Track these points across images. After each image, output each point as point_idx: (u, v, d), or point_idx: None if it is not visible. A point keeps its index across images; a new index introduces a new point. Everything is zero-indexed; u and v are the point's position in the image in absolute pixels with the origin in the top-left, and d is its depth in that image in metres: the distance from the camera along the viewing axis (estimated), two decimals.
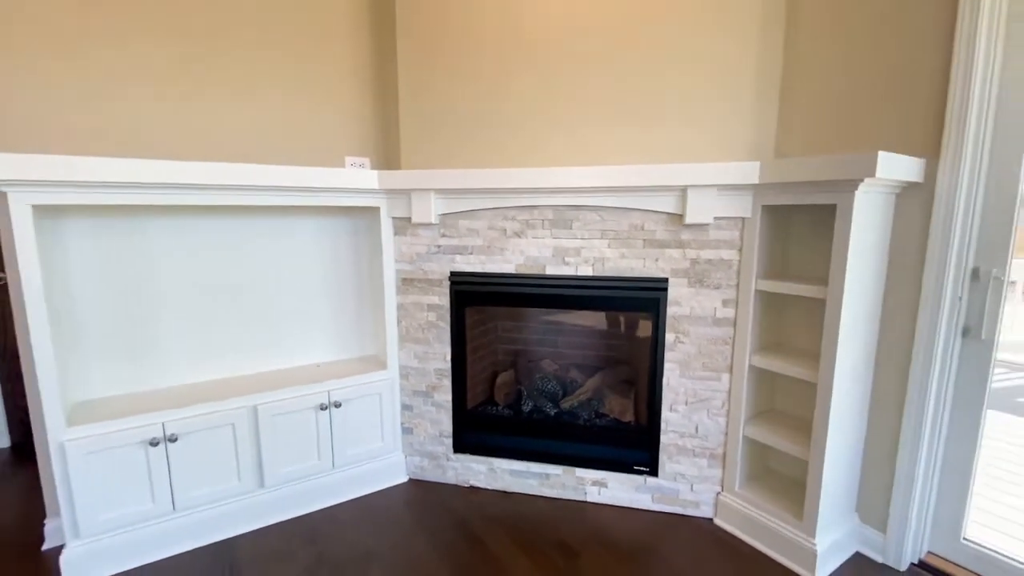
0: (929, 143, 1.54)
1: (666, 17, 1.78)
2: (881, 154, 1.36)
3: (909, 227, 1.61)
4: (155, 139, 1.86)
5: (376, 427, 2.20)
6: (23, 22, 1.63)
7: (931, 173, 1.54)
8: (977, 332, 1.57)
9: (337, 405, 2.07)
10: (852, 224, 1.48)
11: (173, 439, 1.74)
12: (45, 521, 1.84)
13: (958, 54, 1.45)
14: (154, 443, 1.71)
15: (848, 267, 1.51)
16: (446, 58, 2.03)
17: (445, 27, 2.01)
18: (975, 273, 1.55)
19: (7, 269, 1.69)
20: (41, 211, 1.63)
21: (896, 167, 1.43)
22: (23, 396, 2.62)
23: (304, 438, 2.01)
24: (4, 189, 1.45)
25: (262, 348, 2.13)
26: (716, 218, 1.79)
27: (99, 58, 1.74)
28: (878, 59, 1.61)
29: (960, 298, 1.55)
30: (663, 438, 2.00)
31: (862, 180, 1.42)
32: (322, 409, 2.03)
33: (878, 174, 1.37)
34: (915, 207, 1.59)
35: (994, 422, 2.99)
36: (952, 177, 1.50)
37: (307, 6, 2.09)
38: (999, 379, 3.80)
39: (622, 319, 2.32)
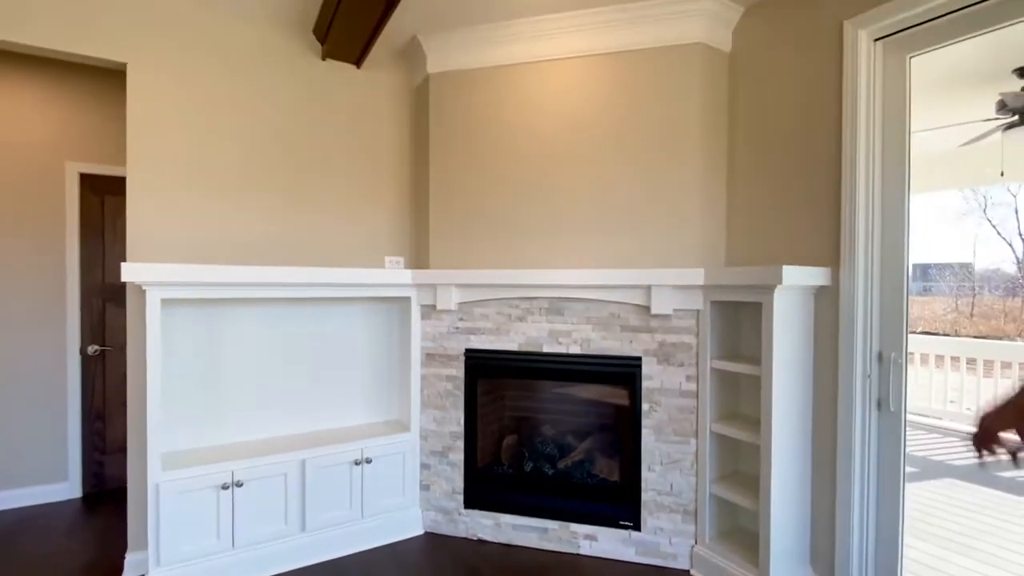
0: (833, 256, 2.01)
1: (643, 159, 2.36)
2: (784, 267, 1.83)
3: (825, 320, 2.04)
4: (251, 246, 2.44)
5: (399, 483, 2.57)
6: (161, 169, 2.27)
7: (836, 279, 2.00)
8: (888, 405, 1.94)
9: (368, 461, 2.46)
10: (773, 318, 1.92)
11: (239, 484, 2.15)
12: (126, 555, 2.22)
13: (846, 195, 1.96)
14: (225, 487, 2.13)
15: (774, 352, 1.94)
16: (466, 181, 2.62)
17: (466, 159, 2.62)
18: (880, 356, 1.96)
19: (129, 345, 2.22)
20: (164, 303, 2.18)
21: (800, 276, 1.90)
22: (101, 451, 3.07)
23: (340, 489, 2.40)
24: (144, 288, 2.00)
25: (310, 411, 2.58)
26: (675, 309, 2.25)
27: (210, 186, 2.37)
28: (795, 195, 2.13)
29: (869, 376, 1.95)
30: (644, 496, 2.33)
31: (775, 286, 1.88)
32: (356, 464, 2.43)
33: (784, 282, 1.84)
34: (828, 304, 2.03)
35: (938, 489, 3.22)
36: (850, 282, 1.95)
37: (363, 148, 2.74)
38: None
39: (607, 390, 2.71)
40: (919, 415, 4.93)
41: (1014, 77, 2.98)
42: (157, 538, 2.01)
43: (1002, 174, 3.39)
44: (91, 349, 3.07)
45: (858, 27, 1.93)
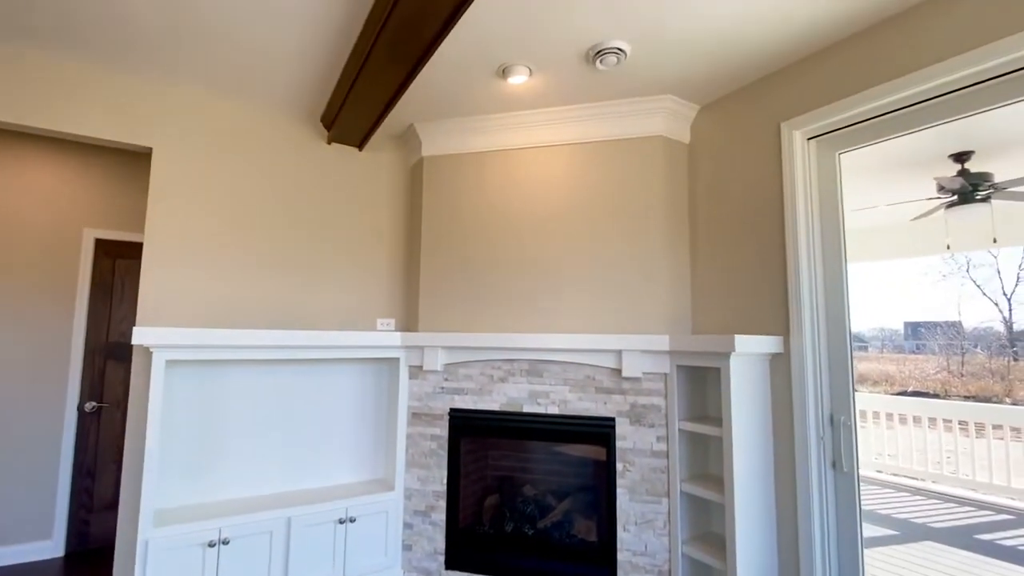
0: (784, 326, 2.21)
1: (614, 235, 2.61)
2: (736, 336, 2.02)
3: (780, 384, 2.22)
4: (254, 309, 2.63)
5: (381, 542, 2.62)
6: (176, 239, 2.49)
7: (788, 346, 2.19)
8: (842, 465, 2.08)
9: (352, 520, 2.53)
10: (731, 382, 2.10)
11: (226, 542, 2.22)
12: None
13: (791, 271, 2.19)
14: (211, 544, 2.19)
15: (733, 414, 2.09)
16: (455, 252, 2.85)
17: (455, 231, 2.86)
18: (831, 419, 2.11)
19: (131, 403, 2.35)
20: (167, 363, 2.33)
21: (753, 344, 2.09)
22: (88, 509, 3.10)
23: (324, 548, 2.45)
24: (152, 350, 2.17)
25: (298, 469, 2.66)
26: (645, 373, 2.42)
27: (219, 255, 2.58)
28: (749, 270, 2.37)
29: (822, 438, 2.10)
30: (619, 556, 2.40)
31: (729, 353, 2.07)
32: (340, 523, 2.50)
33: (737, 350, 2.03)
34: (782, 370, 2.21)
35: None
36: (799, 350, 2.14)
37: (362, 220, 3.00)
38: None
39: (584, 450, 2.82)
40: (905, 477, 4.98)
41: (951, 160, 3.33)
42: None
43: (948, 247, 3.68)
44: (88, 406, 3.17)
45: (793, 128, 2.23)
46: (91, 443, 3.17)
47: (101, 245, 3.31)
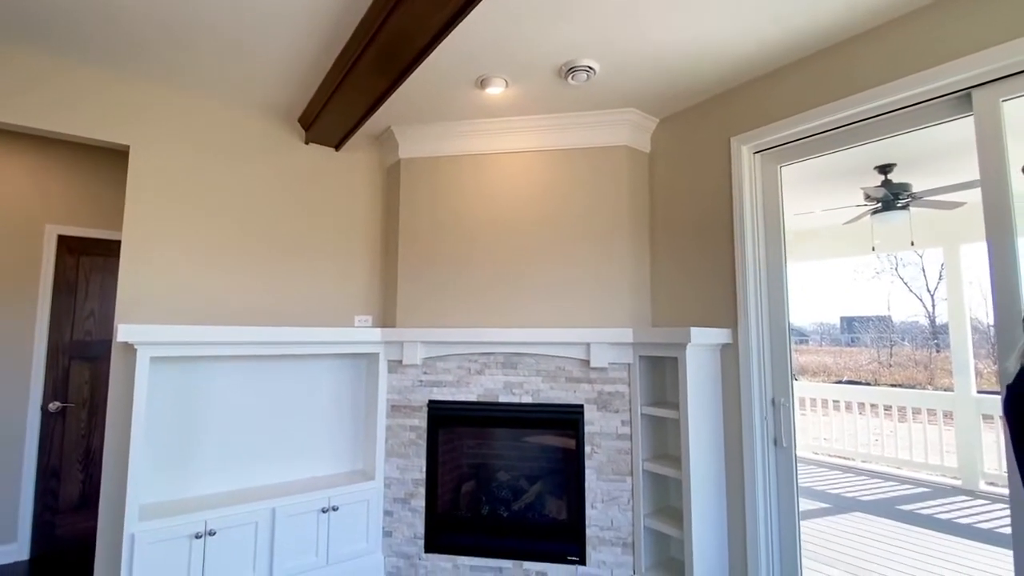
0: (733, 319, 2.48)
1: (581, 235, 2.81)
2: (692, 329, 2.27)
3: (729, 371, 2.48)
4: (233, 307, 2.67)
5: (363, 530, 2.73)
6: (154, 237, 2.51)
7: (736, 337, 2.46)
8: (782, 442, 2.36)
9: (335, 509, 2.63)
10: (687, 370, 2.34)
11: (212, 533, 2.28)
12: None
13: (738, 270, 2.46)
14: (198, 536, 2.25)
15: (689, 398, 2.34)
16: (431, 250, 2.98)
17: (431, 231, 2.99)
18: (773, 401, 2.39)
19: (110, 400, 2.36)
20: (151, 360, 2.36)
21: (706, 336, 2.34)
22: (53, 511, 3.05)
23: (307, 537, 2.54)
24: (136, 346, 2.20)
25: (280, 462, 2.73)
26: (610, 363, 2.64)
27: (197, 253, 2.61)
28: (703, 268, 2.62)
29: (765, 419, 2.38)
30: (588, 531, 2.61)
31: (685, 344, 2.31)
32: (323, 512, 2.59)
33: (693, 341, 2.27)
34: (731, 358, 2.48)
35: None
36: (745, 341, 2.41)
37: (338, 219, 3.08)
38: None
39: (555, 436, 3.03)
40: (839, 457, 5.47)
41: (876, 171, 3.73)
42: None
43: (873, 248, 4.11)
44: (52, 406, 3.11)
45: (741, 143, 2.50)
46: (56, 444, 3.10)
47: (64, 242, 3.24)
